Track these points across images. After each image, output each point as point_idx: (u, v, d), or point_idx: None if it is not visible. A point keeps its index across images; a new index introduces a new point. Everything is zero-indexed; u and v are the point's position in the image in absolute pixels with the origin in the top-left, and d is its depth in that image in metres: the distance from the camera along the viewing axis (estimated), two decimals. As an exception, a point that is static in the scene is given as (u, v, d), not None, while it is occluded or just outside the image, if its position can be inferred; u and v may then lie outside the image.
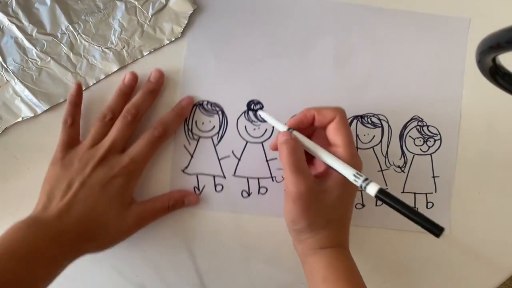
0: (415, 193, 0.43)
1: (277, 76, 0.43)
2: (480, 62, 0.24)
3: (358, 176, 0.33)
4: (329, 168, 0.35)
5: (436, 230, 0.29)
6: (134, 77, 0.41)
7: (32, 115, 0.41)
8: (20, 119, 0.41)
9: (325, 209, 0.35)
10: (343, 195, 0.35)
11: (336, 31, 0.43)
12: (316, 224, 0.35)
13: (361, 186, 0.32)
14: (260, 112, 0.41)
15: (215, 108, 0.42)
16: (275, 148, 0.38)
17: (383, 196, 0.31)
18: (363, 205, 0.43)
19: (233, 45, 0.43)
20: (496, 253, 0.43)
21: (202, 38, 0.42)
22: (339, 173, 0.34)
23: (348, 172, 0.33)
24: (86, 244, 0.36)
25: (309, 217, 0.34)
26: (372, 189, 0.32)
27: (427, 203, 0.43)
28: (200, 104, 0.42)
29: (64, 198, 0.36)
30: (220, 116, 0.42)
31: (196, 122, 0.42)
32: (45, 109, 0.41)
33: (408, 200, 0.43)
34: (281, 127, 0.38)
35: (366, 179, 0.32)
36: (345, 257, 0.35)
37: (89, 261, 0.37)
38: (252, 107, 0.42)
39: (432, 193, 0.43)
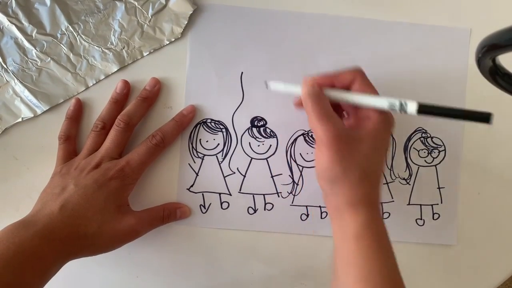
0: (421, 205, 0.43)
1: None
2: (480, 63, 0.24)
3: (393, 100, 0.32)
4: (359, 119, 0.35)
5: (484, 118, 0.29)
6: (126, 85, 0.41)
7: (32, 115, 0.41)
8: (20, 119, 0.41)
9: (359, 158, 0.33)
10: (376, 147, 0.34)
11: (337, 45, 0.42)
12: (352, 172, 0.33)
13: (401, 108, 0.32)
14: (270, 84, 0.39)
15: (219, 126, 0.42)
16: (299, 104, 0.37)
17: (425, 109, 0.31)
18: None
19: (235, 61, 0.42)
20: (496, 253, 0.43)
21: (203, 54, 0.42)
22: (373, 109, 0.34)
23: (382, 102, 0.33)
24: (78, 241, 0.35)
25: (343, 162, 0.33)
26: (412, 108, 0.31)
27: (433, 214, 0.42)
28: (203, 122, 0.42)
29: (57, 199, 0.36)
30: (224, 134, 0.42)
31: (200, 140, 0.42)
32: (45, 109, 0.41)
33: (414, 211, 0.42)
34: (300, 90, 0.36)
35: (401, 102, 0.32)
36: (381, 221, 0.34)
37: (90, 261, 0.38)
38: (255, 123, 0.42)
39: (438, 204, 0.43)
